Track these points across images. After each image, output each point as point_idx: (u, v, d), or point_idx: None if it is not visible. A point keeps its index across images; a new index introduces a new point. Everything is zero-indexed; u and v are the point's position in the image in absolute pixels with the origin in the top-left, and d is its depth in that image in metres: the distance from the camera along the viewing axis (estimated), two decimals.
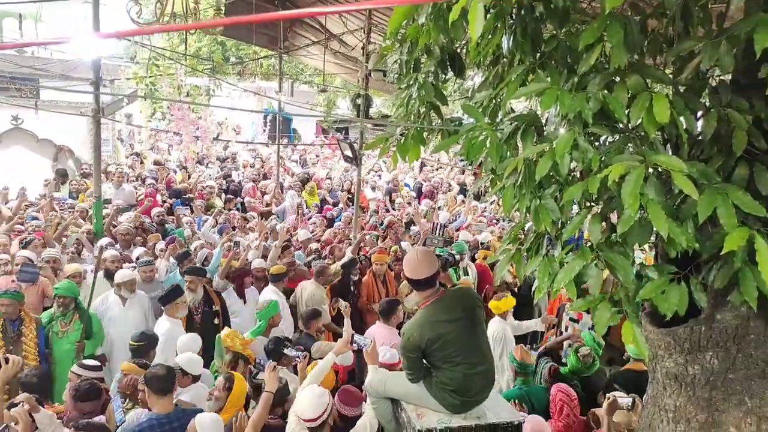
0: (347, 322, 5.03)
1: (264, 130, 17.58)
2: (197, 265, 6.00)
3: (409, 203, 11.32)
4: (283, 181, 12.04)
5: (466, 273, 7.00)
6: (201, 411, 3.43)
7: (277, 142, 12.31)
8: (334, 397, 3.51)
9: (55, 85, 10.42)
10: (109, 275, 5.54)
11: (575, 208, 2.16)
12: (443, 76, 3.04)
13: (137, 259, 5.98)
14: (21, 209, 7.72)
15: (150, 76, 14.08)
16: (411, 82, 2.97)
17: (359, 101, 7.67)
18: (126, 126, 14.70)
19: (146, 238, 7.23)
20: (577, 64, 2.08)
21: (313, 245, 7.57)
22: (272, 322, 4.88)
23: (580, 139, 1.90)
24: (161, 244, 6.78)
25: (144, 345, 4.30)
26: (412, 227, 9.12)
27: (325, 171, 14.14)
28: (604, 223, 2.08)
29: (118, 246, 6.53)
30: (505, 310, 5.44)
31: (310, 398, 3.14)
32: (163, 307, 5.00)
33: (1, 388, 3.33)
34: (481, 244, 8.19)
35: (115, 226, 7.21)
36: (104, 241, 6.36)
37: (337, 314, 5.71)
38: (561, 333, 5.73)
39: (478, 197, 11.95)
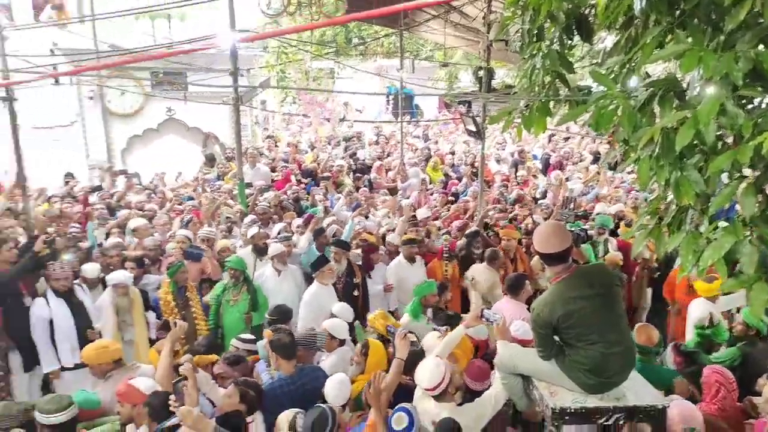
0: (475, 295, 5.02)
1: (387, 109, 17.88)
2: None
3: (535, 176, 10.93)
4: (406, 158, 12.21)
5: (606, 249, 6.64)
6: (319, 369, 3.85)
7: (399, 120, 12.47)
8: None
9: (200, 78, 11.45)
10: (258, 251, 6.07)
11: (724, 178, 1.96)
12: (569, 42, 2.88)
13: (278, 234, 6.48)
14: (179, 191, 8.69)
15: (280, 64, 14.89)
16: (534, 52, 2.85)
17: (481, 74, 7.50)
18: (261, 111, 15.78)
19: (282, 215, 7.78)
20: (722, 21, 1.87)
21: (436, 223, 7.59)
22: (425, 301, 4.94)
23: (728, 104, 1.71)
24: (298, 221, 7.26)
25: (277, 319, 4.59)
26: (542, 201, 8.82)
27: (448, 146, 14.08)
28: (759, 195, 1.88)
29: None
30: (714, 293, 4.99)
31: (426, 368, 3.25)
32: (313, 275, 5.42)
33: (171, 348, 3.78)
34: (617, 217, 7.71)
35: (257, 205, 7.84)
36: (249, 219, 6.97)
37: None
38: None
39: (613, 167, 11.21)
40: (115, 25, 12.15)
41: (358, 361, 3.99)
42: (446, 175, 11.40)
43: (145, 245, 6.19)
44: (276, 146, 13.26)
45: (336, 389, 3.41)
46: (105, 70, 10.76)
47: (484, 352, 4.24)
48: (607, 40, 3.24)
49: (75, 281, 5.21)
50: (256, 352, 4.30)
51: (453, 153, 12.91)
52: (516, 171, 11.52)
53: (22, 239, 5.86)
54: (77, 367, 4.89)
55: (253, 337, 4.51)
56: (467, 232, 6.60)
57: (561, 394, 2.93)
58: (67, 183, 10.00)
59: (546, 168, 12.04)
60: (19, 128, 6.18)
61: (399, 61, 11.99)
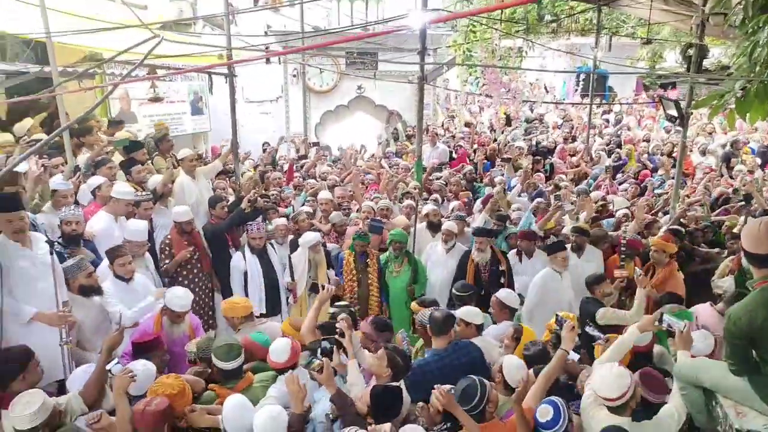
0: (640, 292, 4.57)
1: (576, 90, 16.87)
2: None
3: (752, 172, 9.46)
4: (593, 143, 11.44)
5: None
6: (471, 344, 3.79)
7: (590, 102, 11.69)
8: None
9: (389, 57, 11.97)
10: (432, 226, 6.30)
11: None
12: None
13: (451, 211, 6.59)
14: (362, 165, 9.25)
15: (467, 42, 14.86)
16: (760, 25, 2.48)
17: (691, 52, 6.69)
18: (444, 90, 15.97)
19: (458, 194, 7.88)
20: None
21: (623, 211, 7.04)
22: None
23: None
24: (477, 203, 7.30)
25: (465, 296, 4.63)
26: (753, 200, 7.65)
27: (643, 132, 12.86)
28: None
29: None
30: None
31: (608, 376, 2.93)
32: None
33: (318, 308, 4.00)
34: None
35: (430, 182, 8.04)
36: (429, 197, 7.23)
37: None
38: None
39: None
40: (319, 7, 13.23)
41: (508, 344, 3.94)
42: (639, 164, 10.43)
43: (330, 219, 6.65)
44: (455, 126, 13.36)
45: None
46: (307, 52, 11.79)
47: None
48: None
49: (269, 241, 5.86)
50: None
51: (647, 140, 11.75)
52: (728, 165, 10.11)
53: (231, 198, 6.76)
54: (261, 316, 5.51)
55: (346, 303, 4.68)
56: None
57: (750, 416, 2.60)
58: (264, 150, 11.27)
59: (765, 163, 10.39)
60: (236, 101, 7.09)
61: (594, 39, 11.20)
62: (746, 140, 11.35)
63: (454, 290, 4.82)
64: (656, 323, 3.42)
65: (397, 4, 11.54)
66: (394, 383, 3.30)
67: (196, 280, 5.59)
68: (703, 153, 10.82)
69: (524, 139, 11.83)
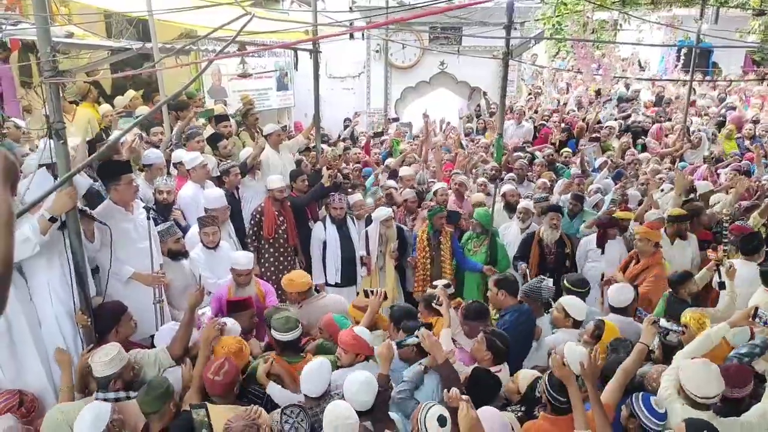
0: (731, 284, 4.24)
1: (676, 66, 15.70)
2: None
3: None
4: (691, 123, 10.64)
5: None
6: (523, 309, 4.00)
7: (690, 78, 10.84)
8: None
9: (473, 32, 11.67)
10: (509, 207, 6.25)
11: None
12: None
13: (533, 192, 6.46)
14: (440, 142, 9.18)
15: (557, 15, 14.22)
16: None
17: None
18: (529, 66, 15.38)
19: (540, 174, 7.64)
20: None
21: (718, 196, 6.53)
22: None
23: None
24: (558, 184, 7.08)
25: (576, 291, 4.39)
26: None
27: (752, 112, 11.79)
28: None
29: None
30: None
31: (704, 374, 2.82)
32: None
33: (372, 315, 4.01)
34: None
35: (510, 163, 7.83)
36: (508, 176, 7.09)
37: None
38: None
39: None
40: None
41: (587, 340, 3.73)
42: (743, 147, 9.61)
43: (405, 196, 6.60)
44: (539, 104, 12.87)
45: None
46: (390, 27, 11.74)
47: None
48: None
49: (349, 213, 6.00)
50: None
51: (756, 121, 10.76)
52: None
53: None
54: (337, 285, 5.71)
55: (448, 281, 4.66)
56: None
57: None
58: (345, 127, 11.41)
59: None
60: (319, 77, 7.20)
61: (699, 10, 10.32)
62: None
63: (566, 281, 4.50)
64: (750, 318, 3.21)
65: None
66: (495, 367, 3.34)
67: (282, 250, 5.84)
68: None
69: (616, 118, 11.20)
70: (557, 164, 8.26)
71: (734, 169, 7.92)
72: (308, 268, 5.81)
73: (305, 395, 3.11)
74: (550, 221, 5.53)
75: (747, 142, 9.88)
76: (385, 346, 3.29)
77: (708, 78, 15.33)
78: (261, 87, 11.01)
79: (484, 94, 13.32)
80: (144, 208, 4.21)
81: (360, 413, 2.86)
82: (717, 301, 4.56)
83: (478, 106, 12.98)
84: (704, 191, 6.63)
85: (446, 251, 5.69)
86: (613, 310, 4.27)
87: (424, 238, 5.70)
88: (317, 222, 5.97)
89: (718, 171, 8.27)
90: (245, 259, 4.42)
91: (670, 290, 4.52)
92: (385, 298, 4.21)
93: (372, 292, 4.17)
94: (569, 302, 4.06)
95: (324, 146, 8.61)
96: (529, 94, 13.94)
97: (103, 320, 3.55)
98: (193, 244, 4.81)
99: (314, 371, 3.09)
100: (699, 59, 11.66)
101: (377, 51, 13.30)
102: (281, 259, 5.83)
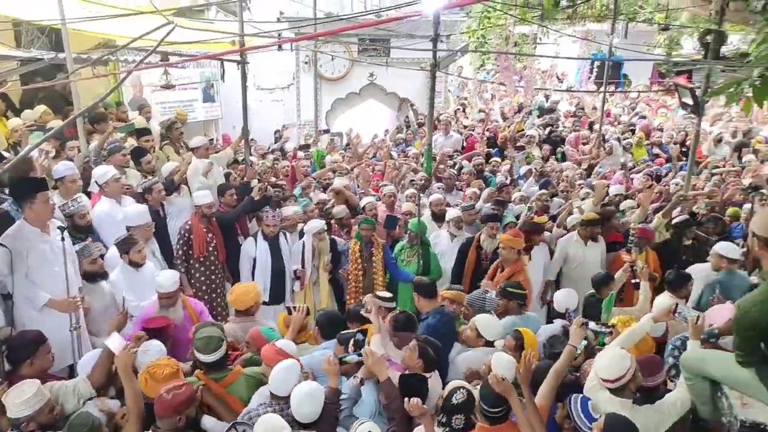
0: (645, 285, 4.57)
1: (590, 77, 16.62)
2: None
3: (764, 162, 9.32)
4: (606, 131, 11.29)
5: None
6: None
7: (603, 90, 11.51)
8: None
9: (401, 44, 11.88)
10: (435, 217, 6.30)
11: None
12: None
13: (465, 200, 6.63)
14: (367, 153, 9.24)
15: (481, 29, 14.69)
16: None
17: (709, 38, 6.56)
18: (456, 78, 15.82)
19: (469, 183, 7.83)
20: None
21: (628, 203, 6.95)
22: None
23: None
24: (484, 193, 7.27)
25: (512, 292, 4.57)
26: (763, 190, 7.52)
27: (658, 121, 12.68)
28: None
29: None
30: None
31: (610, 358, 3.04)
32: None
33: (295, 332, 3.93)
34: None
35: (441, 171, 8.00)
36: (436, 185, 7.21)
37: None
38: None
39: None
40: None
41: (512, 354, 3.76)
42: (651, 153, 10.31)
43: (334, 212, 6.45)
44: (466, 115, 13.25)
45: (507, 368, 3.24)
46: (319, 38, 11.72)
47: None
48: None
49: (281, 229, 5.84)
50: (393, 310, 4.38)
51: (661, 129, 11.58)
52: (739, 155, 9.96)
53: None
54: (264, 303, 5.44)
55: (390, 294, 4.52)
56: (676, 221, 5.95)
57: (755, 408, 2.61)
58: (276, 139, 11.28)
59: None
60: (247, 89, 7.08)
61: (610, 25, 11.00)
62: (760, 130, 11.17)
63: (507, 287, 4.50)
64: (672, 313, 3.46)
65: None
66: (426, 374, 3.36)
67: (212, 268, 5.64)
68: (717, 142, 10.64)
69: (536, 128, 11.72)
70: (485, 173, 8.51)
71: (646, 174, 8.49)
72: (236, 281, 5.65)
73: (271, 393, 3.09)
74: (489, 231, 5.64)
75: (656, 149, 10.61)
76: (327, 361, 3.24)
77: (619, 89, 16.35)
78: (186, 99, 10.69)
79: (411, 105, 13.55)
80: (59, 228, 3.94)
81: (305, 425, 2.83)
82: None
83: (407, 117, 13.19)
84: (616, 193, 7.12)
85: (378, 263, 5.69)
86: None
87: (356, 250, 5.68)
88: (248, 238, 5.82)
89: (632, 176, 8.82)
90: (169, 281, 4.15)
91: (592, 291, 4.79)
92: (308, 313, 4.16)
93: (294, 308, 4.10)
94: (483, 322, 4.02)
95: (252, 157, 8.45)
96: (458, 105, 14.31)
97: (17, 351, 3.30)
98: (112, 264, 4.55)
99: (282, 371, 3.08)
100: (611, 71, 12.42)
101: (306, 62, 13.26)
102: (213, 277, 5.64)
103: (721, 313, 3.91)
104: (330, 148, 10.13)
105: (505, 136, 10.48)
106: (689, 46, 15.45)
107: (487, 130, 11.23)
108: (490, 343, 3.95)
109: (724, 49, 7.35)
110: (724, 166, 9.40)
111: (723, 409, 2.78)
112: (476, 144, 10.20)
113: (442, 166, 8.17)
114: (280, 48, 10.55)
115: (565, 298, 4.56)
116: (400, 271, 5.75)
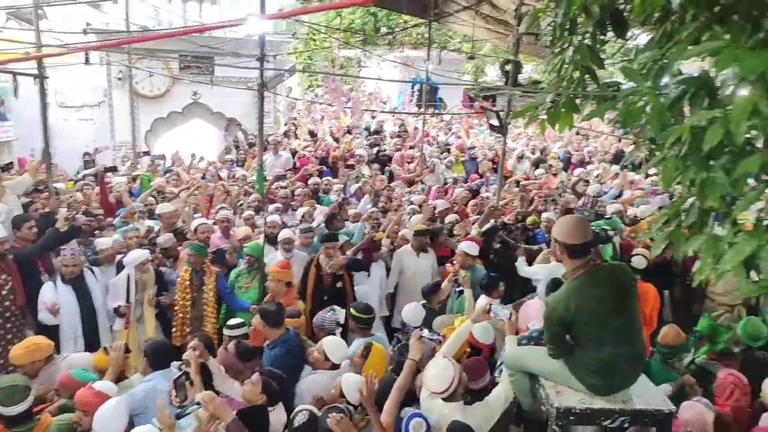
0: (468, 292, 5.01)
1: (411, 100, 17.77)
2: None
3: (555, 174, 10.77)
4: (425, 150, 12.11)
5: (615, 250, 6.55)
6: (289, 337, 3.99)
7: (423, 112, 12.39)
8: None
9: (227, 62, 11.51)
10: (270, 239, 6.06)
11: (750, 182, 1.90)
12: (601, 37, 2.82)
13: (299, 222, 6.60)
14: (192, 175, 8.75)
15: (308, 51, 14.88)
16: (565, 45, 2.80)
17: (508, 67, 7.40)
18: (285, 98, 15.79)
19: (302, 203, 7.80)
20: (764, 17, 1.79)
21: (452, 216, 7.53)
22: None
23: (762, 105, 1.64)
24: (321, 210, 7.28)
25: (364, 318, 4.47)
26: (564, 196, 8.71)
27: (470, 140, 13.98)
28: None
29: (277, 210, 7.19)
30: None
31: (435, 371, 3.19)
32: None
33: (115, 376, 3.63)
34: (635, 218, 7.62)
35: (274, 192, 7.86)
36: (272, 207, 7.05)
37: None
38: None
39: (636, 167, 11.01)
40: (148, 7, 12.27)
41: (356, 362, 3.81)
42: (467, 170, 11.31)
43: (159, 241, 6.05)
44: (296, 136, 13.27)
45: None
46: (134, 52, 10.83)
47: (487, 354, 4.09)
48: (639, 38, 3.18)
49: (86, 265, 5.18)
50: (247, 336, 4.29)
51: (473, 147, 12.79)
52: (536, 169, 11.38)
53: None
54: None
55: (241, 321, 4.41)
56: (485, 228, 6.54)
57: (567, 394, 2.90)
58: (86, 162, 10.16)
59: (567, 166, 11.87)
60: (48, 106, 6.26)
61: (426, 52, 11.89)
62: (552, 147, 12.92)
63: (353, 310, 4.40)
64: (487, 313, 3.77)
65: (235, 7, 11.17)
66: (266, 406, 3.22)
67: (8, 314, 4.82)
68: (520, 158, 12.04)
69: (364, 148, 12.14)
70: (319, 194, 8.56)
71: (467, 189, 9.28)
72: (39, 329, 4.90)
73: None
74: (326, 250, 5.58)
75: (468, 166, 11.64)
76: (162, 416, 2.93)
77: (437, 111, 17.74)
78: None
79: (238, 125, 13.17)
80: None
81: None
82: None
83: (236, 137, 12.78)
84: (442, 209, 7.62)
85: (209, 292, 5.33)
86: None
87: (186, 278, 5.28)
88: (46, 283, 5.03)
89: (453, 190, 9.55)
90: None
91: (423, 300, 5.06)
92: (128, 351, 3.85)
93: (111, 347, 3.77)
94: (330, 345, 3.94)
95: (60, 184, 7.48)
96: (290, 126, 14.24)
97: None
98: None
99: (107, 412, 2.97)
100: (429, 95, 13.41)
101: (119, 78, 12.15)
102: (8, 326, 4.80)
103: (534, 308, 4.37)
104: (151, 171, 9.39)
105: (336, 156, 10.69)
106: (492, 74, 17.34)
107: (320, 149, 11.35)
108: (336, 366, 3.91)
109: (520, 77, 8.39)
110: (527, 180, 10.62)
111: (541, 399, 3.06)
112: (309, 164, 10.22)
113: (274, 187, 8.02)
114: (87, 61, 9.50)
115: (413, 313, 4.60)
116: (237, 301, 5.46)
